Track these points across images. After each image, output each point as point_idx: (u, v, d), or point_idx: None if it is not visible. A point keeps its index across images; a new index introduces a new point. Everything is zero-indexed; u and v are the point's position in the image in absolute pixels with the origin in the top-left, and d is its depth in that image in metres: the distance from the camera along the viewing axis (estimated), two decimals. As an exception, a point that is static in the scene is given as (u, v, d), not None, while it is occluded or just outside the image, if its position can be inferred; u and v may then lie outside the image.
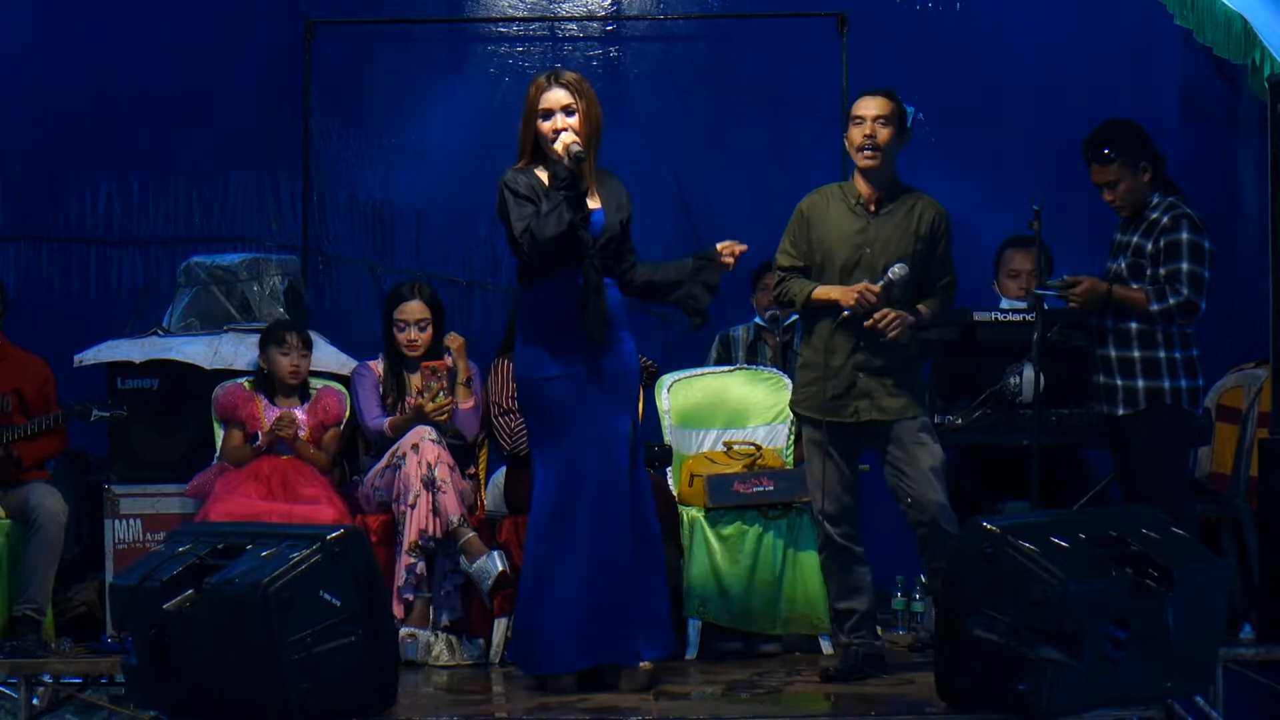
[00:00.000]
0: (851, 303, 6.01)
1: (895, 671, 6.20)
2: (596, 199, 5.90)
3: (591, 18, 9.11)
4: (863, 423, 6.11)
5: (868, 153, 6.10)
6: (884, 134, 6.09)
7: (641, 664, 5.91)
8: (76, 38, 8.93)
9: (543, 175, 5.88)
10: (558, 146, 5.81)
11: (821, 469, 6.13)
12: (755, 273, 7.94)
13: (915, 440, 6.08)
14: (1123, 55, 8.80)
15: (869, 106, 6.12)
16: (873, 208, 6.14)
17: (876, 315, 6.01)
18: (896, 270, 6.01)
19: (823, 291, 6.10)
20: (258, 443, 6.99)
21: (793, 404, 6.35)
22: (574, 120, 5.84)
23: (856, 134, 6.11)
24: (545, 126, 5.86)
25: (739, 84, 8.99)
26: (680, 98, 9.04)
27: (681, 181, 8.93)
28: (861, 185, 6.16)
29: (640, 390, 6.23)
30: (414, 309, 7.08)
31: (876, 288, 6.00)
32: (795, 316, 7.79)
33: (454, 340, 7.08)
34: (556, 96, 5.87)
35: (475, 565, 6.66)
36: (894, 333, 6.00)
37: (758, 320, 7.91)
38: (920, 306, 6.13)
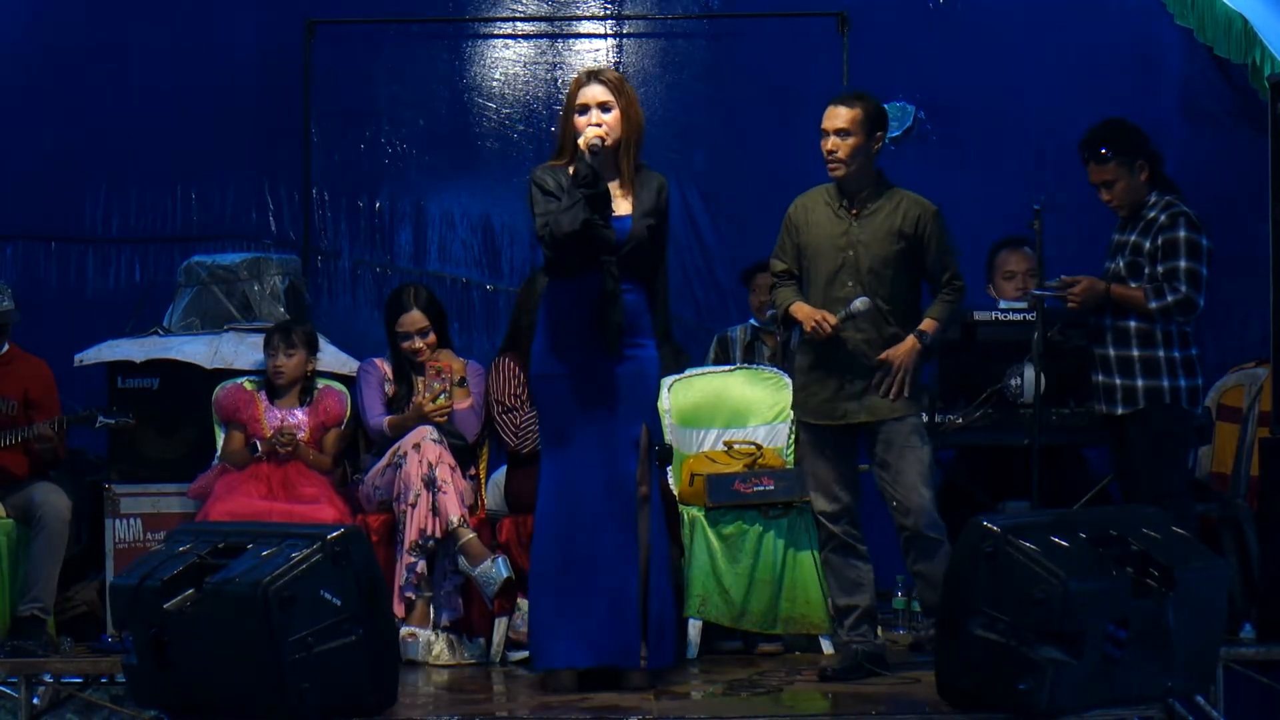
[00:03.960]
0: (809, 330, 6.06)
1: (895, 671, 6.20)
2: (628, 203, 5.87)
3: (592, 16, 9.11)
4: (853, 424, 6.13)
5: (831, 165, 6.14)
6: (845, 146, 6.10)
7: (643, 664, 5.89)
8: (76, 37, 8.93)
9: None
10: (580, 142, 5.80)
11: (818, 470, 6.16)
12: (749, 274, 7.93)
13: (904, 443, 6.10)
14: (1123, 55, 8.80)
15: (831, 119, 6.13)
16: (855, 210, 6.15)
17: (880, 383, 6.05)
18: (857, 305, 6.04)
19: (794, 309, 6.14)
20: (257, 454, 6.99)
21: (793, 406, 6.38)
22: (609, 117, 5.82)
23: (823, 145, 6.15)
24: (580, 122, 5.84)
25: (739, 83, 8.99)
26: (681, 97, 9.04)
27: (682, 181, 8.92)
28: (841, 189, 6.18)
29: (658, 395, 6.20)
30: (414, 319, 7.08)
31: (834, 319, 6.03)
32: None
33: (439, 364, 7.03)
34: (594, 92, 5.85)
35: (479, 570, 6.65)
36: (896, 393, 6.06)
37: (753, 321, 7.91)
38: (923, 325, 6.14)
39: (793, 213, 6.26)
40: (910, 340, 6.10)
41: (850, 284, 6.09)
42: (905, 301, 6.17)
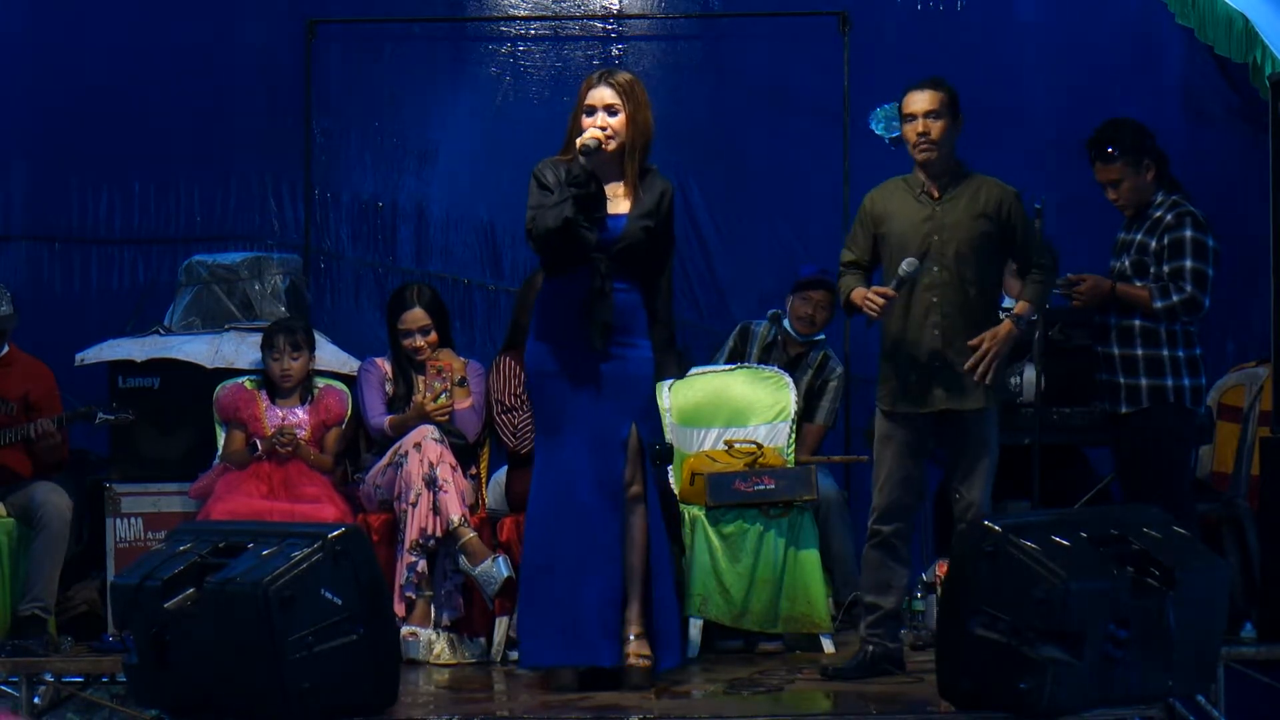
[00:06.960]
0: (862, 309, 6.03)
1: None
2: (626, 203, 5.88)
3: (592, 16, 9.11)
4: (939, 413, 6.06)
5: (923, 147, 6.09)
6: (936, 127, 6.07)
7: (640, 663, 5.89)
8: (77, 37, 8.92)
9: None
10: (576, 141, 5.80)
11: (889, 465, 6.09)
12: (801, 283, 7.81)
13: (980, 436, 6.05)
14: (1124, 55, 8.79)
15: (918, 102, 6.10)
16: (936, 194, 6.12)
17: (972, 365, 5.96)
18: (904, 267, 6.00)
19: (854, 295, 6.10)
20: (257, 453, 6.99)
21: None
22: (615, 121, 5.83)
23: (909, 131, 6.11)
24: (586, 122, 5.85)
25: (740, 83, 8.98)
26: (680, 98, 9.03)
27: (683, 180, 8.92)
28: (923, 174, 6.15)
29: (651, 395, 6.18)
30: (416, 317, 7.09)
31: (881, 290, 5.99)
32: (822, 335, 7.77)
33: (439, 363, 7.04)
34: (601, 94, 5.85)
35: (479, 570, 6.66)
36: (981, 376, 5.97)
37: (786, 324, 7.80)
38: (1017, 309, 6.09)
39: (869, 205, 6.21)
40: (1006, 324, 6.03)
41: (936, 269, 6.03)
42: (990, 284, 6.12)
